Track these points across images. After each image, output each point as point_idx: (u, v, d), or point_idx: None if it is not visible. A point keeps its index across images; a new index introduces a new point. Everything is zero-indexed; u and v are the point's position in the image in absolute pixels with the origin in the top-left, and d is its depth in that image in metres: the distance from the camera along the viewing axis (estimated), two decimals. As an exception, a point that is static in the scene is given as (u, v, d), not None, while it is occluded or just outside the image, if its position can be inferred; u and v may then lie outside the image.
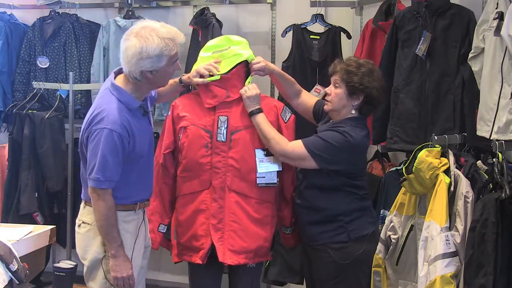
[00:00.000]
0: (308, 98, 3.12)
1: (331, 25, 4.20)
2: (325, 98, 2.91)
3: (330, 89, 2.89)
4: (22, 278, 2.71)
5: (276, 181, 2.90)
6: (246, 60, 2.93)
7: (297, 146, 2.80)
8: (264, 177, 2.88)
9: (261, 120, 2.86)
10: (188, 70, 4.23)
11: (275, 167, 2.88)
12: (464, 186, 2.95)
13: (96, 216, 2.59)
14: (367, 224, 2.90)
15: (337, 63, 2.91)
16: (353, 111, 2.86)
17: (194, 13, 4.51)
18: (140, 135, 2.62)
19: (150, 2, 4.75)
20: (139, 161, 2.66)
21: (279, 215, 3.04)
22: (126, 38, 2.55)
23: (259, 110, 2.88)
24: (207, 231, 2.87)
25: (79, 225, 2.70)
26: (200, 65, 2.93)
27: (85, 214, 2.69)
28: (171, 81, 2.95)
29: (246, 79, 2.95)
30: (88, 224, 2.65)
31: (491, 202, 2.81)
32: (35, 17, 4.89)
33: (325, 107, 2.91)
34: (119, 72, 2.66)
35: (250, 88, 2.90)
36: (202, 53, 3.00)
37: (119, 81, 2.62)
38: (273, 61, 4.49)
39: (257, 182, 2.87)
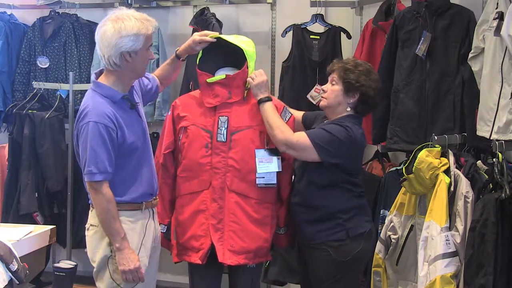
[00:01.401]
0: (294, 112, 3.12)
1: (331, 25, 4.20)
2: (322, 95, 2.94)
3: (327, 86, 2.91)
4: (22, 278, 2.71)
5: (275, 182, 2.90)
6: (247, 62, 2.93)
7: (302, 137, 2.80)
8: (263, 177, 2.87)
9: (269, 108, 2.86)
10: (188, 70, 4.24)
11: (274, 168, 2.88)
12: (464, 186, 2.96)
13: (96, 211, 2.60)
14: (364, 222, 2.88)
15: (335, 62, 2.94)
16: (349, 109, 2.87)
17: (194, 13, 4.51)
18: (129, 127, 2.63)
19: (150, 2, 4.76)
20: (134, 154, 2.66)
21: None
22: (101, 25, 2.60)
23: (269, 99, 2.88)
24: (207, 231, 2.87)
25: (88, 229, 2.71)
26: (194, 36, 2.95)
27: (92, 217, 2.69)
28: (167, 61, 3.04)
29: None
30: (95, 226, 2.65)
31: (491, 202, 2.81)
32: (35, 17, 4.89)
33: (321, 103, 2.93)
34: (100, 73, 2.70)
35: (257, 75, 2.89)
36: None
37: (101, 79, 2.68)
38: (273, 61, 4.49)
39: (257, 182, 2.86)
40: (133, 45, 2.56)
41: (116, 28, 2.54)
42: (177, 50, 2.99)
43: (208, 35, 2.93)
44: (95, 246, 2.65)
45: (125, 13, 2.60)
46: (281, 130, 2.81)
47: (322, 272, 2.85)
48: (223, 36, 2.93)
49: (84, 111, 2.58)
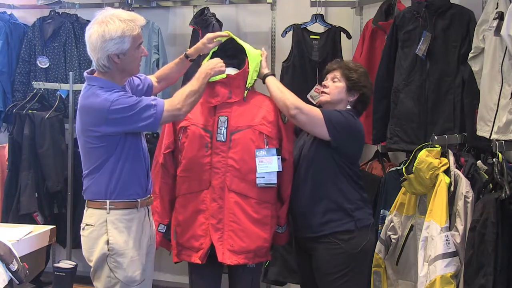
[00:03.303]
0: None
1: (331, 25, 4.20)
2: (323, 90, 2.98)
3: (328, 83, 2.98)
4: (22, 278, 2.71)
5: (275, 182, 2.90)
6: (247, 63, 2.95)
7: (315, 108, 2.87)
8: (263, 177, 2.87)
9: (277, 80, 2.97)
10: (188, 70, 4.23)
11: (274, 168, 2.88)
12: (464, 186, 2.96)
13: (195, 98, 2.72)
14: (368, 214, 2.94)
15: (335, 62, 3.04)
16: (348, 107, 2.95)
17: (194, 13, 4.52)
18: None
19: (150, 2, 4.76)
20: (130, 153, 2.65)
21: None
22: (88, 28, 2.62)
23: (273, 73, 3.00)
24: (207, 231, 2.87)
25: (83, 228, 2.71)
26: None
27: (87, 216, 2.70)
28: (175, 60, 3.06)
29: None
30: (91, 225, 2.66)
31: (491, 202, 2.81)
32: (35, 17, 4.89)
33: (322, 98, 2.98)
34: (91, 72, 2.72)
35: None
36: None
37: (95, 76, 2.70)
38: (273, 61, 4.49)
39: (257, 182, 2.87)
40: (119, 47, 2.57)
41: (100, 32, 2.55)
42: (187, 50, 3.02)
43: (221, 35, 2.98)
44: (92, 246, 2.65)
45: (110, 15, 2.59)
46: (292, 95, 2.88)
47: (331, 266, 2.86)
48: (235, 37, 2.98)
49: (97, 106, 2.56)
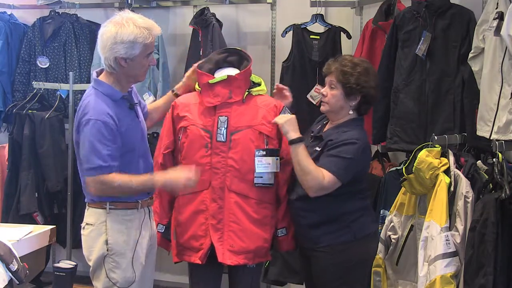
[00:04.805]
0: None
1: (331, 25, 4.20)
2: (322, 99, 2.88)
3: (326, 90, 2.84)
4: (22, 278, 2.71)
5: (273, 182, 2.90)
6: (251, 63, 2.96)
7: (326, 176, 2.69)
8: (261, 177, 2.87)
9: (302, 152, 2.73)
10: (187, 70, 4.23)
11: (273, 168, 2.87)
12: (464, 186, 2.96)
13: (117, 194, 2.61)
14: (370, 223, 2.88)
15: (332, 63, 2.86)
16: (351, 112, 2.83)
17: (194, 13, 4.51)
18: (127, 127, 2.64)
19: (150, 2, 4.76)
20: (132, 154, 2.66)
21: None
22: (103, 26, 2.63)
23: (301, 140, 2.77)
24: (207, 231, 2.87)
25: (84, 227, 2.71)
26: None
27: (88, 215, 2.71)
28: (167, 94, 3.07)
29: (252, 83, 2.97)
30: (91, 225, 2.67)
31: (491, 202, 2.81)
32: (35, 17, 4.89)
33: (322, 108, 2.88)
34: (101, 72, 2.71)
35: (281, 117, 2.85)
36: None
37: (101, 77, 2.69)
38: (273, 61, 4.49)
39: (254, 182, 2.86)
40: (127, 52, 2.56)
41: (113, 32, 2.55)
42: (173, 90, 3.05)
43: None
44: (91, 245, 2.66)
45: (127, 18, 2.59)
46: (312, 177, 2.70)
47: (328, 274, 2.82)
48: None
49: (86, 109, 2.58)
